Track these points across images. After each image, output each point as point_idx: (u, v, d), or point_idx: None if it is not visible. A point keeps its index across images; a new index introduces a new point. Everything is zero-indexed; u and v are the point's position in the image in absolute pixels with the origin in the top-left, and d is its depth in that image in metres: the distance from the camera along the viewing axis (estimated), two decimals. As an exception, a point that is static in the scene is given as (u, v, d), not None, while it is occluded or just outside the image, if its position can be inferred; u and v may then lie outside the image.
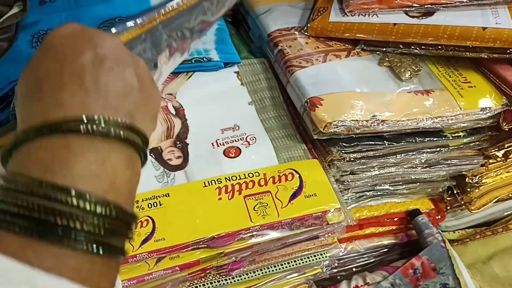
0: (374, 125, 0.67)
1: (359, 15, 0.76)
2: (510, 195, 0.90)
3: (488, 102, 0.72)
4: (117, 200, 0.27)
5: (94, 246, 0.26)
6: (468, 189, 0.85)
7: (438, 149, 0.74)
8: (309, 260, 0.70)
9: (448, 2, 0.74)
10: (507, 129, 0.73)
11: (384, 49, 0.76)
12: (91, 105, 0.29)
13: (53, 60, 0.31)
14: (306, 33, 0.79)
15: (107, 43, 0.33)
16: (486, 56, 0.73)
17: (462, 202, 0.87)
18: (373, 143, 0.69)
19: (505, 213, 0.94)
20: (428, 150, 0.74)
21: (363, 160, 0.71)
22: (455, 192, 0.87)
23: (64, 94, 0.29)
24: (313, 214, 0.63)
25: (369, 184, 0.78)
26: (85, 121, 0.28)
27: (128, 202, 0.29)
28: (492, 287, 0.78)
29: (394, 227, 0.88)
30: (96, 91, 0.30)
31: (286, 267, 0.69)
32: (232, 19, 0.95)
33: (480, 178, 0.84)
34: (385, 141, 0.70)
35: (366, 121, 0.66)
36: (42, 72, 0.31)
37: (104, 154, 0.28)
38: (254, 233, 0.62)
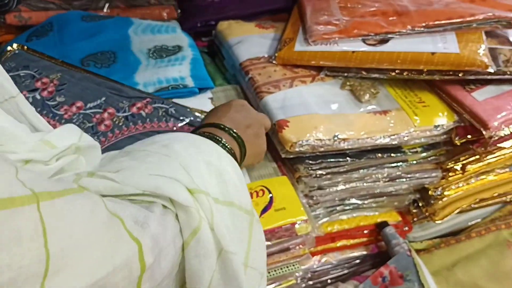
0: (336, 144, 0.73)
1: (321, 44, 0.83)
2: (472, 205, 0.96)
3: (441, 119, 0.79)
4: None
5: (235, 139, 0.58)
6: (432, 201, 0.91)
7: (398, 164, 0.81)
8: (282, 271, 0.75)
9: (401, 30, 0.82)
10: (459, 144, 0.79)
11: (346, 74, 0.84)
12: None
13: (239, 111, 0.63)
14: (274, 62, 0.86)
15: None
16: (438, 78, 0.80)
17: (427, 214, 0.93)
18: (336, 160, 0.76)
19: (469, 223, 1.00)
20: (389, 165, 0.80)
21: (328, 176, 0.77)
22: (420, 204, 0.93)
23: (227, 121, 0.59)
24: (283, 226, 0.68)
25: (337, 199, 0.83)
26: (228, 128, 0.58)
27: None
28: (455, 291, 0.83)
29: (364, 239, 0.93)
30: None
31: (261, 278, 0.74)
32: (208, 50, 1.03)
33: (442, 191, 0.90)
34: (348, 158, 0.76)
35: (329, 140, 0.73)
36: (232, 111, 0.62)
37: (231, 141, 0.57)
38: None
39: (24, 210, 0.26)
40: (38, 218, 0.27)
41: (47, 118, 0.69)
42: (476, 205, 0.97)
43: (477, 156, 0.84)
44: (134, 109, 0.73)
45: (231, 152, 0.53)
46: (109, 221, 0.33)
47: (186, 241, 0.39)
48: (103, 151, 0.66)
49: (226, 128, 0.57)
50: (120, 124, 0.71)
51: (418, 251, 0.90)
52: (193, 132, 0.57)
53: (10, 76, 0.60)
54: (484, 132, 0.75)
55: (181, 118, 0.73)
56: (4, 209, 0.25)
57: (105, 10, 0.99)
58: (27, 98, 0.67)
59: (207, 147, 0.49)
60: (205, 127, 0.58)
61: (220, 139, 0.54)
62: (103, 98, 0.74)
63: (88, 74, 0.77)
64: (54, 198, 0.29)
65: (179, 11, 1.03)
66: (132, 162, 0.43)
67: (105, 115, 0.72)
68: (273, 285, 0.77)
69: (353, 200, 0.87)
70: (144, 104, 0.73)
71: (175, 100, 0.77)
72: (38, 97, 0.72)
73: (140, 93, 0.76)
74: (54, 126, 0.66)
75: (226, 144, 0.54)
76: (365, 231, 0.92)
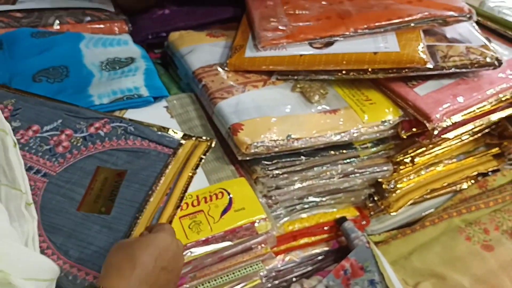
0: (290, 143, 0.76)
1: (270, 50, 0.86)
2: (424, 196, 1.01)
3: (388, 115, 0.83)
4: None
5: None
6: (386, 195, 0.95)
7: (350, 160, 0.84)
8: (246, 271, 0.76)
9: (345, 33, 0.86)
10: (405, 137, 0.84)
11: (295, 77, 0.87)
12: None
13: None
14: (226, 69, 0.88)
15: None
16: (382, 76, 0.85)
17: (382, 207, 0.97)
18: (292, 159, 0.78)
19: (423, 214, 1.04)
20: (342, 161, 0.84)
21: (285, 175, 0.79)
22: (375, 198, 0.97)
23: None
24: (243, 226, 0.70)
25: (295, 197, 0.86)
26: None
27: None
28: (414, 279, 0.87)
29: (325, 236, 0.96)
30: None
31: (226, 279, 0.75)
32: (161, 60, 1.04)
33: (394, 184, 0.94)
34: (302, 157, 0.79)
35: (282, 140, 0.75)
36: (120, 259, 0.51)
37: None
38: (191, 249, 0.68)
39: None
40: None
41: None
42: (428, 196, 1.02)
43: (424, 148, 0.89)
44: (92, 129, 0.73)
45: None
46: None
47: None
48: (62, 172, 0.66)
49: None
50: (79, 144, 0.71)
51: (376, 243, 0.94)
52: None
53: None
54: (427, 125, 0.80)
55: (140, 135, 0.73)
56: None
57: (55, 26, 0.99)
58: None
59: None
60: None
61: None
62: (60, 121, 0.74)
63: (42, 99, 0.77)
64: None
65: (129, 25, 1.04)
66: None
67: (63, 136, 0.72)
68: (239, 285, 0.78)
69: (312, 198, 0.90)
70: (102, 124, 0.74)
71: (132, 115, 0.78)
72: None
73: (97, 113, 0.76)
74: None
75: None
76: (325, 228, 0.95)
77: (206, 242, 0.69)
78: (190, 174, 0.68)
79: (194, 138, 0.74)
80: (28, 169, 0.66)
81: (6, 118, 0.70)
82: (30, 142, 0.71)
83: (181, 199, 0.66)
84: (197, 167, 0.69)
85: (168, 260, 0.55)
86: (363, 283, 0.84)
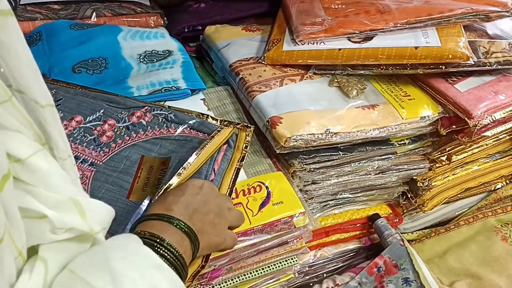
0: (328, 138, 0.75)
1: (308, 44, 0.86)
2: (459, 195, 1.00)
3: (427, 111, 0.82)
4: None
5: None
6: (420, 192, 0.94)
7: (387, 156, 0.83)
8: (281, 265, 0.76)
9: (385, 27, 0.85)
10: (445, 134, 0.83)
11: (333, 71, 0.86)
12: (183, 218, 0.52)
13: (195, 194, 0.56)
14: (263, 62, 0.88)
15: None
16: (421, 72, 0.84)
17: (416, 205, 0.96)
18: (329, 154, 0.78)
19: (457, 213, 1.03)
20: (378, 157, 0.83)
21: (322, 170, 0.79)
22: (409, 196, 0.96)
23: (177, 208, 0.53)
24: (281, 219, 0.70)
25: (330, 193, 0.86)
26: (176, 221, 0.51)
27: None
28: (448, 278, 0.86)
29: (357, 232, 0.95)
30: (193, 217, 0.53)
31: (261, 273, 0.76)
32: (196, 54, 1.05)
33: (429, 181, 0.93)
34: (339, 152, 0.79)
35: (321, 134, 0.75)
36: (186, 194, 0.55)
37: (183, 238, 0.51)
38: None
39: None
40: None
41: None
42: (462, 195, 1.01)
43: (462, 146, 0.88)
44: (134, 118, 0.74)
45: (184, 265, 0.49)
46: None
47: None
48: (108, 161, 0.67)
49: (174, 221, 0.51)
50: (122, 134, 0.72)
51: (409, 241, 0.93)
52: (139, 222, 0.52)
53: None
54: (468, 121, 0.78)
55: (181, 122, 0.73)
56: None
57: (92, 19, 1.00)
58: None
59: (160, 277, 0.41)
60: (150, 219, 0.52)
61: (175, 253, 0.48)
62: (101, 111, 0.74)
63: (82, 89, 0.78)
64: None
65: (165, 18, 1.04)
66: None
67: (106, 126, 0.73)
68: (272, 280, 0.79)
69: (345, 194, 0.89)
70: (143, 113, 0.74)
71: (170, 104, 0.78)
72: None
73: (138, 102, 0.77)
74: None
75: (181, 258, 0.48)
76: (358, 224, 0.95)
77: (245, 234, 0.69)
78: (237, 166, 0.68)
79: (232, 126, 0.74)
80: (75, 158, 0.67)
81: None
82: (75, 132, 0.72)
83: (230, 192, 0.66)
84: (242, 159, 0.69)
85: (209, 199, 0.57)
86: (397, 281, 0.83)
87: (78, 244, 0.39)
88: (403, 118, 0.80)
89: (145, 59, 0.88)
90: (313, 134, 0.74)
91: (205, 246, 0.54)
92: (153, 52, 0.90)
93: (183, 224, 0.51)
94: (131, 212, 0.60)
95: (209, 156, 0.66)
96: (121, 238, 0.44)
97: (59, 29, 0.93)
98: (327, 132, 0.75)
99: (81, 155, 0.69)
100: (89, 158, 0.68)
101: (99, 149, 0.69)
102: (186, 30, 1.03)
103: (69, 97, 0.76)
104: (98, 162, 0.68)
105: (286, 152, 0.76)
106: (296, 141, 0.73)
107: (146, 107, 0.74)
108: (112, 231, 0.57)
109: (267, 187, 0.73)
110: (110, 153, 0.68)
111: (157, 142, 0.70)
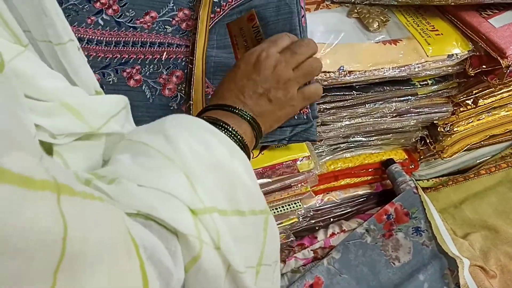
0: (342, 77, 0.68)
1: (326, -34, 0.76)
2: (481, 142, 0.93)
3: (455, 48, 0.73)
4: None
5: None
6: (440, 138, 0.87)
7: (407, 97, 0.76)
8: (284, 209, 0.72)
9: (414, -50, 0.74)
10: (473, 74, 0.74)
11: (353, 0, 0.77)
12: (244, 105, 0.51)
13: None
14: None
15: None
16: (453, 3, 0.74)
17: (435, 151, 0.89)
18: (342, 93, 0.71)
19: (478, 161, 0.96)
20: (397, 99, 0.76)
21: (333, 111, 0.72)
22: (428, 141, 0.89)
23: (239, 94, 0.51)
24: (284, 163, 0.65)
25: (341, 136, 0.80)
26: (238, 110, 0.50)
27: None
28: (463, 229, 0.81)
29: (369, 178, 0.90)
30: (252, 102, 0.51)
31: (262, 216, 0.72)
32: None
33: (451, 127, 0.86)
34: (354, 91, 0.71)
35: (334, 73, 0.68)
36: (239, 77, 0.52)
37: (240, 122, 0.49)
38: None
39: (45, 196, 0.22)
40: (58, 210, 0.23)
41: (130, 34, 0.67)
42: (485, 142, 0.94)
43: (491, 89, 0.80)
44: None
45: (242, 142, 0.47)
46: (126, 241, 0.30)
47: (186, 266, 0.35)
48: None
49: (236, 111, 0.49)
50: None
51: (424, 189, 0.87)
52: (203, 112, 0.51)
53: (63, 8, 0.55)
54: (501, 61, 0.70)
55: None
56: (24, 187, 0.21)
57: None
58: (97, 23, 0.67)
59: (217, 143, 0.40)
60: (213, 109, 0.50)
61: (230, 129, 0.47)
62: (171, 1, 0.71)
63: None
64: (75, 195, 0.25)
65: None
66: (131, 167, 0.37)
67: (181, 14, 0.70)
68: (277, 222, 0.75)
69: (358, 137, 0.83)
70: None
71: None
72: (107, 17, 0.68)
73: None
74: (140, 39, 0.67)
75: (238, 134, 0.47)
76: (370, 169, 0.89)
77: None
78: None
79: None
80: (168, 45, 0.67)
81: (116, 10, 0.69)
82: (155, 26, 0.69)
83: None
84: None
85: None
86: (407, 230, 0.79)
87: (89, 142, 0.38)
88: (428, 56, 0.72)
89: None
90: (325, 72, 0.67)
91: (267, 127, 0.53)
92: None
93: (246, 114, 0.50)
94: None
95: None
96: (178, 116, 0.44)
97: None
98: (340, 71, 0.68)
99: (174, 42, 0.68)
100: (182, 43, 0.68)
101: (185, 36, 0.69)
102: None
103: None
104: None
105: (294, 89, 0.69)
106: (305, 79, 0.66)
107: None
108: None
109: (271, 128, 0.67)
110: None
111: (233, 12, 0.69)
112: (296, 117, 0.60)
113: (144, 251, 0.32)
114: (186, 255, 0.35)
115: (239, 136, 0.47)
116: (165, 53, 0.66)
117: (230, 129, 0.46)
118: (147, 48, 0.67)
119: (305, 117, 0.60)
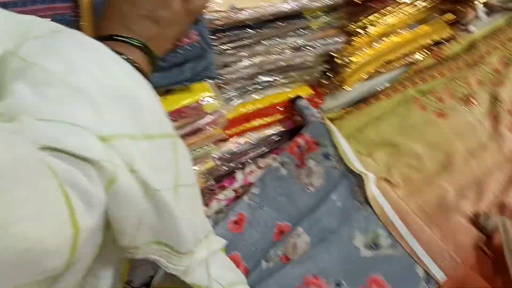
0: (234, 15, 0.69)
1: None
2: (379, 70, 0.99)
3: (339, -21, 0.77)
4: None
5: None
6: (340, 70, 0.92)
7: (301, 31, 0.79)
8: (197, 152, 0.74)
9: None
10: (360, 2, 0.79)
11: None
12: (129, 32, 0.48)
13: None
14: None
15: None
16: None
17: (337, 83, 0.94)
18: (237, 32, 0.73)
19: (378, 88, 1.03)
20: (292, 33, 0.79)
21: (232, 51, 0.74)
22: (329, 75, 0.94)
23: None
24: (189, 105, 0.66)
25: (246, 77, 0.82)
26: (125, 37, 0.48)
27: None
28: (367, 149, 0.86)
29: (280, 116, 0.94)
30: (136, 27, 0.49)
31: (177, 162, 0.73)
32: None
33: (348, 57, 0.91)
34: (248, 29, 0.73)
35: (225, 12, 0.69)
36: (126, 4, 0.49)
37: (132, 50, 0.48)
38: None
39: None
40: None
41: None
42: (383, 70, 1.00)
43: (377, 15, 0.85)
44: None
45: (140, 70, 0.46)
46: (38, 162, 0.30)
47: (104, 189, 0.36)
48: None
49: (125, 40, 0.47)
50: None
51: (331, 119, 0.92)
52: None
53: None
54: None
55: None
56: None
57: None
58: None
59: (119, 70, 0.40)
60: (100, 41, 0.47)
61: (125, 59, 0.44)
62: None
63: None
64: None
65: None
66: (30, 100, 0.35)
67: None
68: (193, 167, 0.77)
69: (264, 78, 0.86)
70: None
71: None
72: None
73: None
74: None
75: (134, 63, 0.46)
76: (280, 108, 0.93)
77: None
78: None
79: None
80: None
81: None
82: None
83: None
84: None
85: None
86: (317, 157, 0.84)
87: None
88: (314, -13, 0.75)
89: None
90: (215, 11, 0.68)
91: (163, 46, 0.52)
92: None
93: (136, 42, 0.48)
94: None
95: None
96: (75, 34, 0.42)
97: None
98: (231, 9, 0.69)
99: None
100: None
101: None
102: None
103: None
104: None
105: (190, 33, 0.70)
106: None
107: None
108: None
109: (171, 73, 0.68)
110: None
111: None
112: (190, 48, 0.60)
113: (59, 173, 0.32)
114: (102, 179, 0.35)
115: (135, 65, 0.46)
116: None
117: (125, 59, 0.45)
118: None
119: (197, 45, 0.61)
